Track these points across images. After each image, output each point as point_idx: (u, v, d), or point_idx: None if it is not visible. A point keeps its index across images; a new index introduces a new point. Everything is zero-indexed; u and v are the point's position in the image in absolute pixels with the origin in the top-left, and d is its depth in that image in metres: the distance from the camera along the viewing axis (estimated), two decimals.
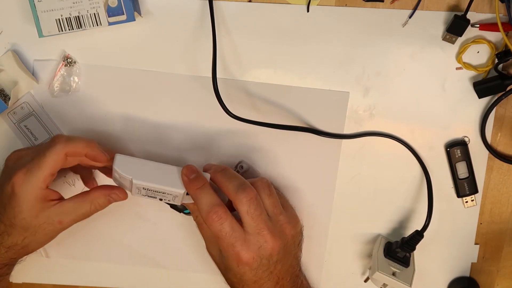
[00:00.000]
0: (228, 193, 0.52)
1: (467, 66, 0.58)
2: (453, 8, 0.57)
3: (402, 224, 0.62)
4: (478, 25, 0.56)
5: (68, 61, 0.59)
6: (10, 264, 0.56)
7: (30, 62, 0.59)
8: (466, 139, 0.60)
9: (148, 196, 0.54)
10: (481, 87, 0.57)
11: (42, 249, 0.59)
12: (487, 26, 0.56)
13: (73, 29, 0.56)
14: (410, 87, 0.59)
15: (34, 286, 0.63)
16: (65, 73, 0.59)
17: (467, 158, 0.59)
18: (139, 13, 0.57)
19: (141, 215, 0.62)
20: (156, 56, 0.59)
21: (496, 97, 0.58)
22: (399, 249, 0.58)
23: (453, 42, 0.57)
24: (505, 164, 0.60)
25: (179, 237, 0.61)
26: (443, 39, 0.57)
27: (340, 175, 0.61)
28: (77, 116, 0.60)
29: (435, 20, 0.57)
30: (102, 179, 0.60)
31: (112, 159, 0.53)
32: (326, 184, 0.61)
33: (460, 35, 0.56)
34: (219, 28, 0.58)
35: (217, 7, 0.57)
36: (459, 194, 0.60)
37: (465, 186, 0.60)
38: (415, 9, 0.57)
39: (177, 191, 0.53)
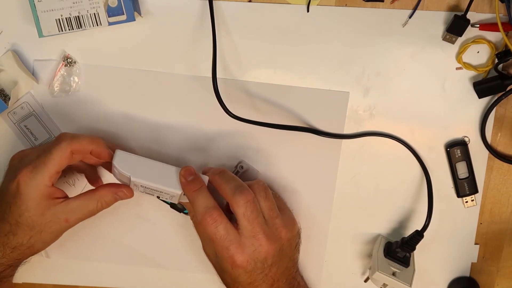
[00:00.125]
0: (225, 195, 0.52)
1: (467, 66, 0.58)
2: (453, 8, 0.57)
3: (402, 224, 0.62)
4: (478, 25, 0.56)
5: (68, 61, 0.59)
6: (15, 266, 0.56)
7: (30, 62, 0.59)
8: (466, 139, 0.60)
9: (146, 192, 0.54)
10: (481, 87, 0.57)
11: None
12: (487, 26, 0.56)
13: (73, 29, 0.56)
14: (410, 87, 0.59)
15: (34, 286, 0.63)
16: (65, 73, 0.59)
17: (467, 158, 0.59)
18: (139, 13, 0.57)
19: (141, 215, 0.62)
20: (156, 56, 0.59)
21: (496, 97, 0.58)
22: (399, 249, 0.58)
23: (453, 42, 0.57)
24: (505, 164, 0.60)
25: (179, 237, 0.61)
26: (443, 39, 0.57)
27: (340, 175, 0.61)
28: (77, 116, 0.60)
29: (435, 20, 0.57)
30: (107, 178, 0.60)
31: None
32: (326, 184, 0.61)
33: (460, 35, 0.56)
34: (219, 28, 0.58)
35: (217, 7, 0.57)
36: (459, 194, 0.60)
37: (465, 186, 0.60)
38: (415, 9, 0.57)
39: (175, 191, 0.53)
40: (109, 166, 0.57)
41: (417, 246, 0.58)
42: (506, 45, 0.56)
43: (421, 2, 0.57)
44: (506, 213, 0.61)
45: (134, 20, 0.56)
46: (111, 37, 0.58)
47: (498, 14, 0.54)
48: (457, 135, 0.60)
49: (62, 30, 0.56)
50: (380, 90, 0.59)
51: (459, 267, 0.62)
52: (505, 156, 0.60)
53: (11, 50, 0.58)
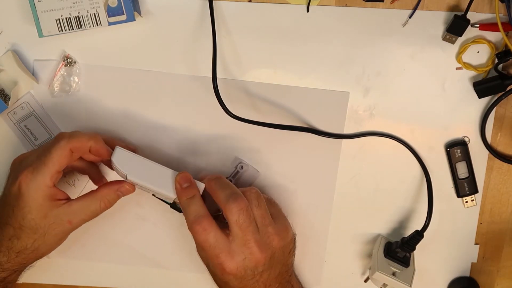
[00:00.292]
0: (219, 202, 0.52)
1: (467, 66, 0.58)
2: (453, 8, 0.57)
3: (402, 224, 0.62)
4: (478, 25, 0.56)
5: (68, 61, 0.59)
6: (20, 271, 0.55)
7: (30, 62, 0.59)
8: (466, 139, 0.60)
9: (141, 189, 0.55)
10: (481, 87, 0.57)
11: None
12: (487, 26, 0.56)
13: (73, 29, 0.56)
14: (410, 87, 0.59)
15: (34, 286, 0.63)
16: (65, 73, 0.59)
17: (467, 158, 0.59)
18: (139, 13, 0.57)
19: (141, 216, 0.62)
20: (156, 56, 0.59)
21: (496, 97, 0.58)
22: (399, 249, 0.58)
23: (453, 42, 0.57)
24: (505, 164, 0.60)
25: (179, 237, 0.61)
26: (443, 39, 0.57)
27: (340, 175, 0.61)
28: (77, 116, 0.60)
29: (435, 20, 0.57)
30: (112, 177, 0.60)
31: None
32: (326, 184, 0.61)
33: (460, 35, 0.56)
34: (219, 28, 0.58)
35: (217, 7, 0.57)
36: (459, 194, 0.60)
37: (465, 186, 0.60)
38: (415, 9, 0.57)
39: (169, 195, 0.54)
40: (109, 163, 0.57)
41: (417, 246, 0.58)
42: (506, 45, 0.56)
43: (421, 2, 0.57)
44: (506, 213, 0.61)
45: (134, 20, 0.56)
46: (111, 37, 0.58)
47: (498, 14, 0.54)
48: (457, 135, 0.60)
49: (62, 30, 0.56)
50: (380, 90, 0.59)
51: (459, 267, 0.62)
52: (505, 156, 0.60)
53: (11, 50, 0.58)
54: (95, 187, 0.57)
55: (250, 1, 0.58)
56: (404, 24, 0.58)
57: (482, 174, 0.60)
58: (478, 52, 0.58)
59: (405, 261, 0.58)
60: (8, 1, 0.57)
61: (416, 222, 0.61)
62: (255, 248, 0.51)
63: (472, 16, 0.56)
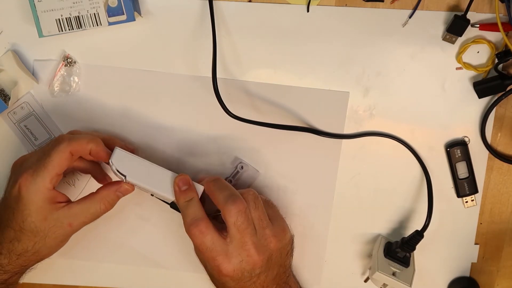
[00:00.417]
0: (217, 203, 0.52)
1: (467, 66, 0.58)
2: (453, 8, 0.57)
3: (402, 224, 0.62)
4: (478, 25, 0.56)
5: (68, 61, 0.59)
6: (21, 273, 0.55)
7: (30, 62, 0.59)
8: (466, 139, 0.60)
9: (140, 189, 0.55)
10: (481, 87, 0.57)
11: None
12: (487, 26, 0.56)
13: (73, 29, 0.56)
14: (410, 87, 0.59)
15: (34, 286, 0.63)
16: (65, 73, 0.59)
17: (467, 158, 0.59)
18: (139, 13, 0.57)
19: (141, 216, 0.62)
20: (156, 56, 0.59)
21: (496, 97, 0.58)
22: (399, 249, 0.58)
23: (453, 42, 0.57)
24: (505, 164, 0.60)
25: (179, 238, 0.61)
26: (443, 39, 0.57)
27: (340, 175, 0.61)
28: (77, 116, 0.60)
29: (435, 20, 0.57)
30: (114, 176, 0.60)
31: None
32: (326, 184, 0.61)
33: (460, 35, 0.56)
34: (219, 28, 0.58)
35: (217, 7, 0.57)
36: (459, 194, 0.60)
37: (465, 186, 0.60)
38: (415, 9, 0.57)
39: (167, 197, 0.54)
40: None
41: (417, 246, 0.58)
42: (506, 45, 0.56)
43: (421, 2, 0.57)
44: (506, 213, 0.61)
45: (134, 20, 0.56)
46: (111, 37, 0.58)
47: (498, 14, 0.54)
48: (457, 135, 0.60)
49: (62, 30, 0.56)
50: (380, 90, 0.59)
51: (459, 267, 0.62)
52: (505, 156, 0.60)
53: (11, 50, 0.58)
54: (95, 186, 0.57)
55: (250, 1, 0.58)
56: (404, 24, 0.58)
57: (482, 174, 0.60)
58: (478, 52, 0.58)
59: (405, 261, 0.58)
60: (8, 1, 0.57)
61: (416, 222, 0.61)
62: (253, 250, 0.51)
63: (472, 16, 0.56)
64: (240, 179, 0.60)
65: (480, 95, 0.58)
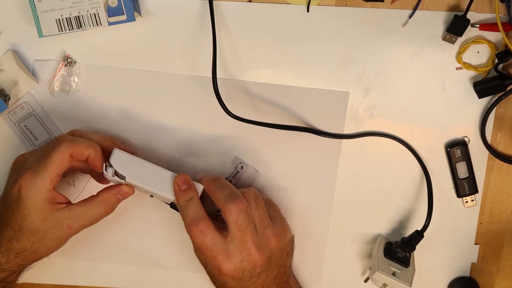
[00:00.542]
0: (218, 202, 0.52)
1: (467, 66, 0.58)
2: (453, 8, 0.57)
3: (402, 224, 0.62)
4: (478, 25, 0.56)
5: (68, 61, 0.59)
6: (19, 271, 0.55)
7: (30, 62, 0.59)
8: (466, 139, 0.60)
9: (139, 190, 0.55)
10: (481, 87, 0.57)
11: None
12: (487, 26, 0.56)
13: (73, 29, 0.56)
14: (410, 87, 0.59)
15: (34, 286, 0.63)
16: (65, 73, 0.59)
17: (467, 158, 0.59)
18: (139, 13, 0.57)
19: (142, 216, 0.62)
20: (156, 56, 0.59)
21: (496, 97, 0.58)
22: (399, 249, 0.58)
23: (453, 42, 0.57)
24: (505, 164, 0.60)
25: (179, 237, 0.61)
26: (443, 39, 0.57)
27: (340, 175, 0.61)
28: (77, 116, 0.60)
29: (435, 20, 0.57)
30: None
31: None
32: (326, 184, 0.61)
33: (460, 35, 0.56)
34: (219, 28, 0.58)
35: (217, 7, 0.57)
36: (459, 194, 0.60)
37: (465, 186, 0.60)
38: (415, 9, 0.57)
39: (168, 197, 0.54)
40: (98, 176, 0.57)
41: (417, 246, 0.58)
42: (506, 45, 0.56)
43: (421, 2, 0.57)
44: (506, 213, 0.61)
45: (134, 20, 0.56)
46: (111, 37, 0.58)
47: (498, 14, 0.54)
48: (457, 135, 0.60)
49: (62, 30, 0.56)
50: (380, 90, 0.59)
51: (459, 267, 0.62)
52: (505, 156, 0.60)
53: (11, 50, 0.58)
54: (95, 186, 0.57)
55: (250, 1, 0.58)
56: (404, 24, 0.58)
57: (482, 174, 0.60)
58: (478, 52, 0.58)
59: (405, 261, 0.58)
60: (8, 1, 0.57)
61: (416, 222, 0.61)
62: (253, 250, 0.51)
63: (472, 16, 0.56)
64: (240, 179, 0.60)
65: (480, 95, 0.58)
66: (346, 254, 0.63)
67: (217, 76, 0.56)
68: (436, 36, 0.58)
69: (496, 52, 0.57)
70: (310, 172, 0.61)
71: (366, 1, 0.57)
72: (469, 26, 0.56)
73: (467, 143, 0.59)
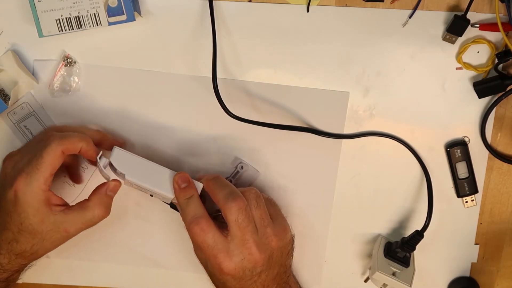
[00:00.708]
0: (217, 201, 0.52)
1: (467, 66, 0.58)
2: (453, 8, 0.57)
3: (402, 224, 0.62)
4: (478, 25, 0.56)
5: (68, 61, 0.59)
6: (20, 270, 0.56)
7: (30, 62, 0.59)
8: (466, 139, 0.60)
9: (139, 190, 0.55)
10: (481, 87, 0.57)
11: None
12: (487, 26, 0.56)
13: (73, 29, 0.56)
14: (410, 87, 0.59)
15: (34, 286, 0.63)
16: (65, 73, 0.59)
17: (467, 158, 0.59)
18: (139, 13, 0.57)
19: (141, 216, 0.62)
20: (156, 56, 0.59)
21: (496, 97, 0.58)
22: (399, 249, 0.58)
23: (453, 42, 0.57)
24: (505, 164, 0.60)
25: (179, 237, 0.61)
26: (443, 39, 0.57)
27: (340, 175, 0.61)
28: (77, 116, 0.60)
29: (435, 20, 0.57)
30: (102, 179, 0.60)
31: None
32: (326, 184, 0.61)
33: (460, 35, 0.56)
34: (219, 28, 0.58)
35: (217, 7, 0.57)
36: (459, 194, 0.60)
37: (465, 186, 0.60)
38: (415, 9, 0.57)
39: (167, 195, 0.54)
40: (94, 162, 0.56)
41: (417, 246, 0.58)
42: (506, 45, 0.56)
43: (421, 2, 0.57)
44: (506, 213, 0.61)
45: (134, 20, 0.56)
46: (111, 37, 0.58)
47: (498, 14, 0.54)
48: (457, 135, 0.60)
49: (62, 30, 0.56)
50: (380, 90, 0.59)
51: (459, 267, 0.62)
52: (505, 156, 0.60)
53: (11, 50, 0.58)
54: (95, 186, 0.56)
55: (250, 1, 0.58)
56: (404, 24, 0.58)
57: (482, 174, 0.60)
58: (478, 52, 0.58)
59: (405, 261, 0.58)
60: (8, 1, 0.57)
61: (416, 222, 0.61)
62: (254, 249, 0.51)
63: (472, 16, 0.56)
64: (240, 179, 0.60)
65: (480, 95, 0.58)
66: (346, 254, 0.63)
67: (217, 76, 0.56)
68: (436, 36, 0.58)
69: (496, 52, 0.57)
70: (310, 172, 0.61)
71: (366, 1, 0.57)
72: (469, 26, 0.56)
73: (467, 143, 0.59)
